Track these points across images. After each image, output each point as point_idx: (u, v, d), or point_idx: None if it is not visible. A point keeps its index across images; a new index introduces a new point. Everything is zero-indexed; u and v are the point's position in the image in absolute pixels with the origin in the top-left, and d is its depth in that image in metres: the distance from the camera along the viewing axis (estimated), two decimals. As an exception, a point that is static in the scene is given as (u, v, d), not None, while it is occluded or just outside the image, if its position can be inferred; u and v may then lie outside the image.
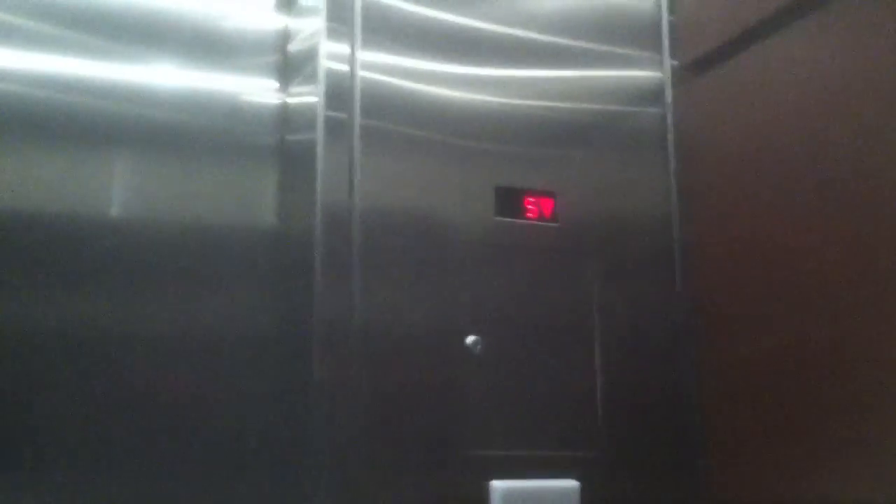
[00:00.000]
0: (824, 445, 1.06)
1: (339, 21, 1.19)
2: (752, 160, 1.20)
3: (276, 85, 1.30)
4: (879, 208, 1.02)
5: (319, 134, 1.16)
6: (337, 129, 1.17)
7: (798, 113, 1.14)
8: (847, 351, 1.04)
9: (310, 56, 1.22)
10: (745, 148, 1.22)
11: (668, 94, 1.38)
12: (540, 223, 1.26)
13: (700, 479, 1.25)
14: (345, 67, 1.19)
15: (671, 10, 1.39)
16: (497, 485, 1.15)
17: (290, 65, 1.29)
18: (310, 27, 1.23)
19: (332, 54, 1.19)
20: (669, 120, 1.37)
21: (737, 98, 1.24)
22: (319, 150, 1.16)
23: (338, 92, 1.18)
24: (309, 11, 1.24)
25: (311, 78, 1.20)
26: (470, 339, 1.18)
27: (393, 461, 1.11)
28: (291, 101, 1.28)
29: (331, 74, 1.18)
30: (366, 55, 1.20)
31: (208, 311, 1.21)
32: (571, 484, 1.18)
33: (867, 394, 1.02)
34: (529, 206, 1.25)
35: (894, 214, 1.00)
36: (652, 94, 1.38)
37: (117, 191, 1.20)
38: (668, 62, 1.39)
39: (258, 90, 1.30)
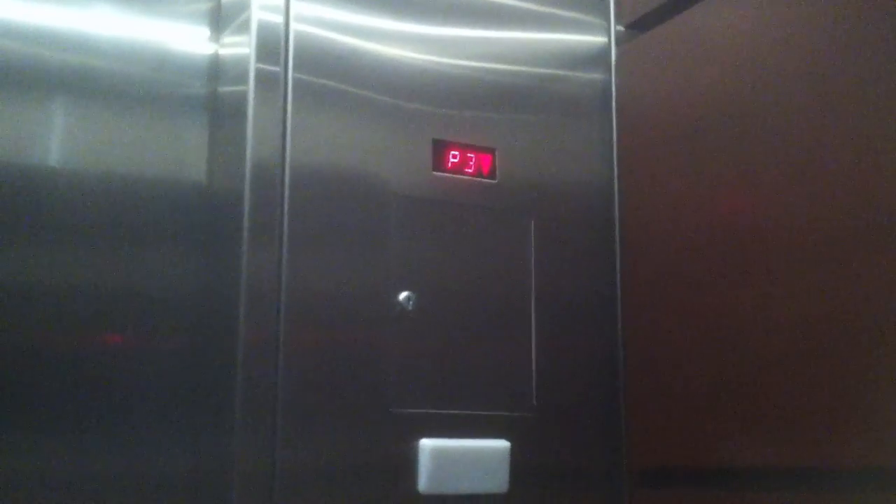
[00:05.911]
0: (746, 412, 1.08)
1: (272, -31, 1.15)
2: (692, 124, 1.20)
3: (208, 34, 1.26)
4: (826, 173, 1.02)
5: (251, 87, 1.13)
6: (269, 83, 1.14)
7: (739, 74, 1.14)
8: (777, 319, 1.05)
9: (242, 5, 1.18)
10: (686, 111, 1.21)
11: (613, 59, 1.37)
12: (478, 179, 1.25)
13: (627, 441, 1.27)
14: (278, 18, 1.16)
15: (616, -26, 1.38)
16: (426, 443, 1.15)
17: (223, 13, 1.25)
18: (243, -26, 1.19)
19: (264, 4, 1.15)
20: (613, 84, 1.36)
21: (678, 60, 1.24)
22: (250, 103, 1.13)
23: (270, 44, 1.15)
24: (242, -42, 1.20)
25: (243, 28, 1.17)
26: (403, 294, 1.17)
27: (321, 418, 1.11)
28: (224, 51, 1.24)
29: (263, 25, 1.15)
30: (300, 6, 1.17)
31: (133, 264, 1.18)
32: (502, 444, 1.19)
33: (793, 362, 1.03)
34: (468, 162, 1.24)
35: (840, 179, 1.00)
36: (596, 59, 1.37)
37: (42, 139, 1.16)
38: (614, 27, 1.37)
39: (189, 38, 1.26)
